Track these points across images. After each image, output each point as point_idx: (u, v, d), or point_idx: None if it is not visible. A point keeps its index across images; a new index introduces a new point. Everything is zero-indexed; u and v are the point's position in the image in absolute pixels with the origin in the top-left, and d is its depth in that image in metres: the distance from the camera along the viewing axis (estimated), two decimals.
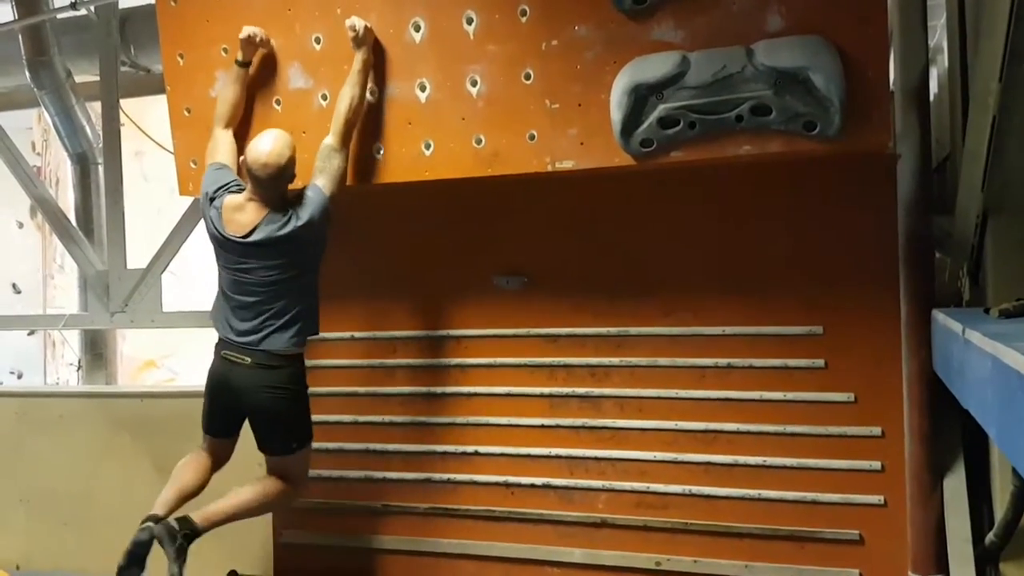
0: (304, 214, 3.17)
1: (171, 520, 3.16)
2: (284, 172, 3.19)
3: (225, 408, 3.40)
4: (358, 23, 3.22)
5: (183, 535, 3.13)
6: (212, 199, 3.31)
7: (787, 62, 2.77)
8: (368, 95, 3.32)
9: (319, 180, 3.21)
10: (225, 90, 3.47)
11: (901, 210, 3.04)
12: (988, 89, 2.30)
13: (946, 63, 3.61)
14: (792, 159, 3.00)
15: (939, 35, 3.93)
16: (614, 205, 3.43)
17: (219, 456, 3.47)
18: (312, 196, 3.20)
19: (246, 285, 3.26)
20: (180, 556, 3.12)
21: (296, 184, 3.26)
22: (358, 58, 3.23)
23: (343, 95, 3.23)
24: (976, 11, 2.73)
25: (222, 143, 3.44)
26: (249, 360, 3.26)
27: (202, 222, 4.65)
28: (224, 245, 3.28)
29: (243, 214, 3.23)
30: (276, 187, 3.21)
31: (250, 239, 3.20)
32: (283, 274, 3.22)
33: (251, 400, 3.30)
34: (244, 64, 3.46)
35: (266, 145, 3.18)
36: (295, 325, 3.26)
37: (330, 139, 3.22)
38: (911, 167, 3.00)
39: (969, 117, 2.62)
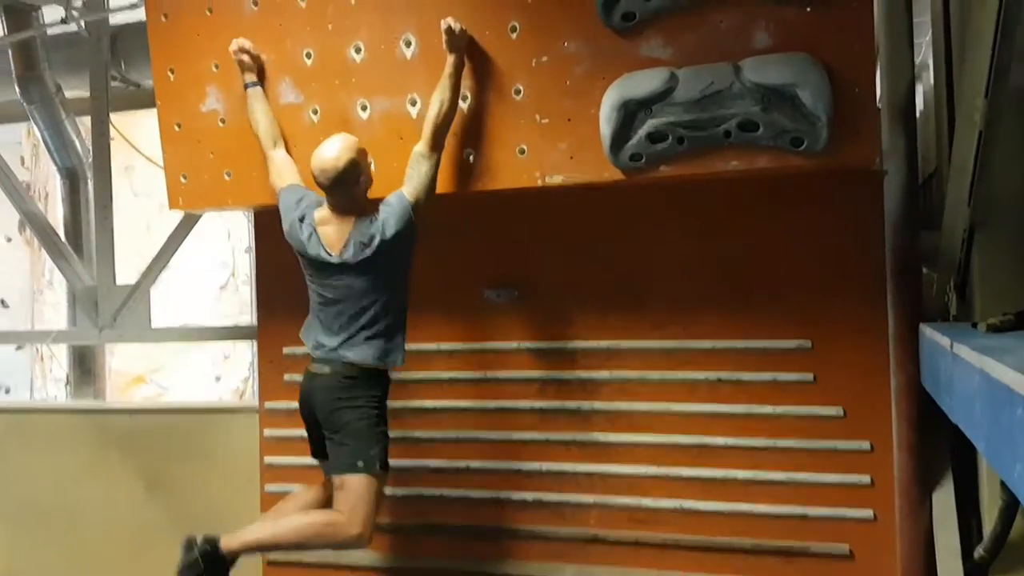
0: (389, 228, 3.08)
1: (198, 535, 3.06)
2: (345, 175, 3.09)
3: (312, 424, 3.27)
4: (454, 24, 3.11)
5: (202, 552, 3.02)
6: (302, 218, 3.22)
7: (774, 79, 2.79)
8: (360, 111, 3.33)
9: (405, 187, 3.11)
10: (252, 115, 3.40)
11: (888, 225, 3.06)
12: (974, 105, 2.32)
13: (932, 80, 3.65)
14: (780, 174, 3.02)
15: (925, 52, 3.98)
16: (604, 219, 3.44)
17: (320, 490, 3.34)
18: (394, 203, 3.11)
19: (337, 300, 3.17)
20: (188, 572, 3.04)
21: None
22: (449, 62, 3.10)
23: (433, 100, 3.11)
24: (961, 28, 2.76)
25: (281, 164, 3.35)
26: (328, 370, 3.16)
27: (189, 237, 4.72)
28: (317, 265, 3.19)
29: (330, 227, 3.16)
30: (344, 192, 3.13)
31: (344, 259, 3.12)
32: (373, 288, 3.14)
33: (322, 410, 3.17)
34: (253, 84, 3.41)
35: (324, 151, 3.11)
36: (379, 339, 3.16)
37: (420, 145, 3.11)
38: (898, 182, 3.03)
39: (955, 133, 2.64)
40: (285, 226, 3.28)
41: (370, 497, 3.09)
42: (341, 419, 3.13)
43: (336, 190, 3.13)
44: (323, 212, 3.20)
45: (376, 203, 3.16)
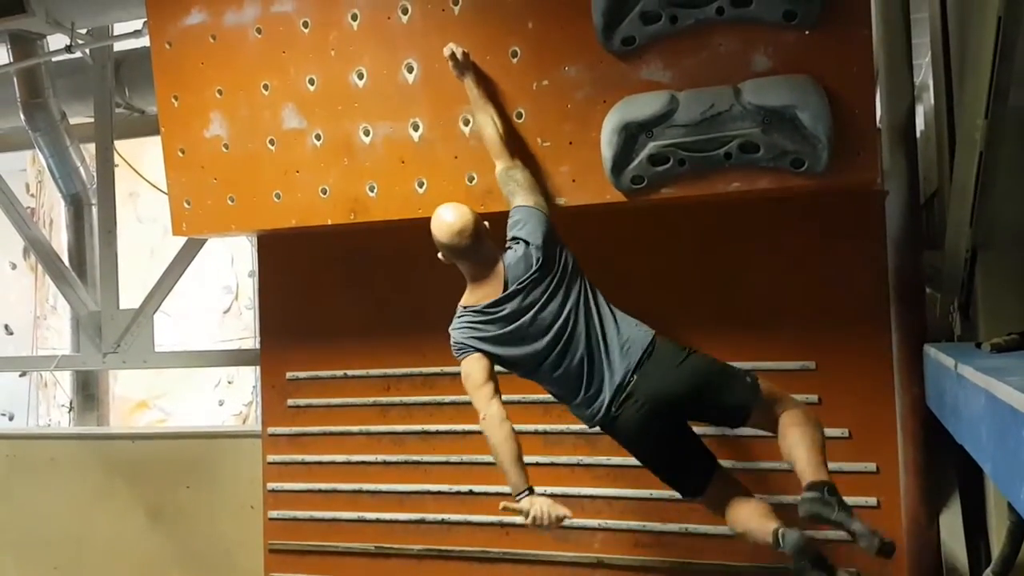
0: (536, 236, 2.95)
1: (807, 495, 2.62)
2: (478, 227, 2.94)
3: (664, 446, 2.94)
4: (457, 49, 3.11)
5: (828, 491, 2.61)
6: (463, 328, 2.99)
7: (774, 101, 2.80)
8: (363, 135, 3.35)
9: (516, 201, 3.03)
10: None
11: (891, 246, 3.06)
12: (974, 125, 2.33)
13: (932, 100, 3.66)
14: (781, 196, 3.02)
15: (924, 73, 3.99)
16: (606, 242, 3.44)
17: (732, 498, 2.91)
18: (521, 217, 3.00)
19: (569, 359, 2.91)
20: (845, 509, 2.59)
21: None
22: (468, 84, 3.12)
23: (482, 123, 3.09)
24: (961, 49, 2.77)
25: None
26: (634, 380, 2.84)
27: (196, 261, 4.74)
28: (528, 360, 2.94)
29: (482, 289, 2.97)
30: (482, 244, 2.96)
31: (518, 296, 2.92)
32: (571, 298, 2.93)
33: (669, 399, 2.83)
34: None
35: (448, 222, 2.94)
36: (625, 324, 2.91)
37: (498, 166, 3.07)
38: (899, 203, 3.04)
39: (956, 153, 2.65)
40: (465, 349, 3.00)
41: (775, 388, 2.86)
42: (698, 372, 2.84)
43: (476, 246, 2.95)
44: (467, 294, 3.02)
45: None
